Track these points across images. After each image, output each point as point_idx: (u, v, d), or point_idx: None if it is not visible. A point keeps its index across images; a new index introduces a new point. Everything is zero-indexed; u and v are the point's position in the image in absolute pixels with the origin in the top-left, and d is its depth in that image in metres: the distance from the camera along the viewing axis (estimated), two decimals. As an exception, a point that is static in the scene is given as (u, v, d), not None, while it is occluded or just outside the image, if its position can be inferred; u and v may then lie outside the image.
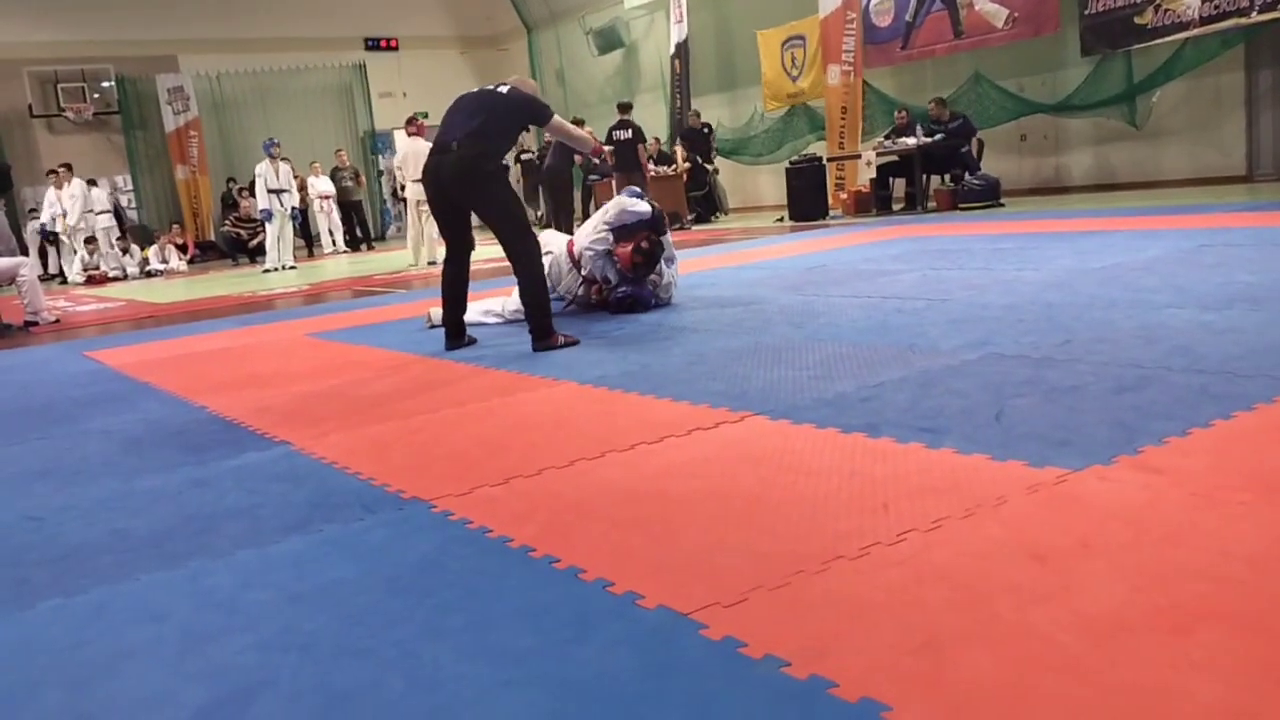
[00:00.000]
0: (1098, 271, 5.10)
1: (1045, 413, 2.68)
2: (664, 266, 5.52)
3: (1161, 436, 2.36)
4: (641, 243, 5.29)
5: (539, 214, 17.65)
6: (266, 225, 13.27)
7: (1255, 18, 9.39)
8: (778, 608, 1.69)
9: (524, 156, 17.21)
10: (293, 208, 13.17)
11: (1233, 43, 9.83)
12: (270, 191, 12.89)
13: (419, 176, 11.26)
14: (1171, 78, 10.27)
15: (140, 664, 1.74)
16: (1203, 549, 1.74)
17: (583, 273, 5.48)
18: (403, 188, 11.96)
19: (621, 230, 5.32)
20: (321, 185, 16.19)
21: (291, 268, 13.07)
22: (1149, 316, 3.81)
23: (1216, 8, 9.63)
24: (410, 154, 11.37)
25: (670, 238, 5.65)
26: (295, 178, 13.98)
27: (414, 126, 11.79)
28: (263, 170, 12.96)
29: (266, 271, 12.91)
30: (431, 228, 11.78)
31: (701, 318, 5.03)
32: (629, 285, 5.40)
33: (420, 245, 11.65)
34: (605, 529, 2.16)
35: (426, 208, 11.57)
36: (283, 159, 13.12)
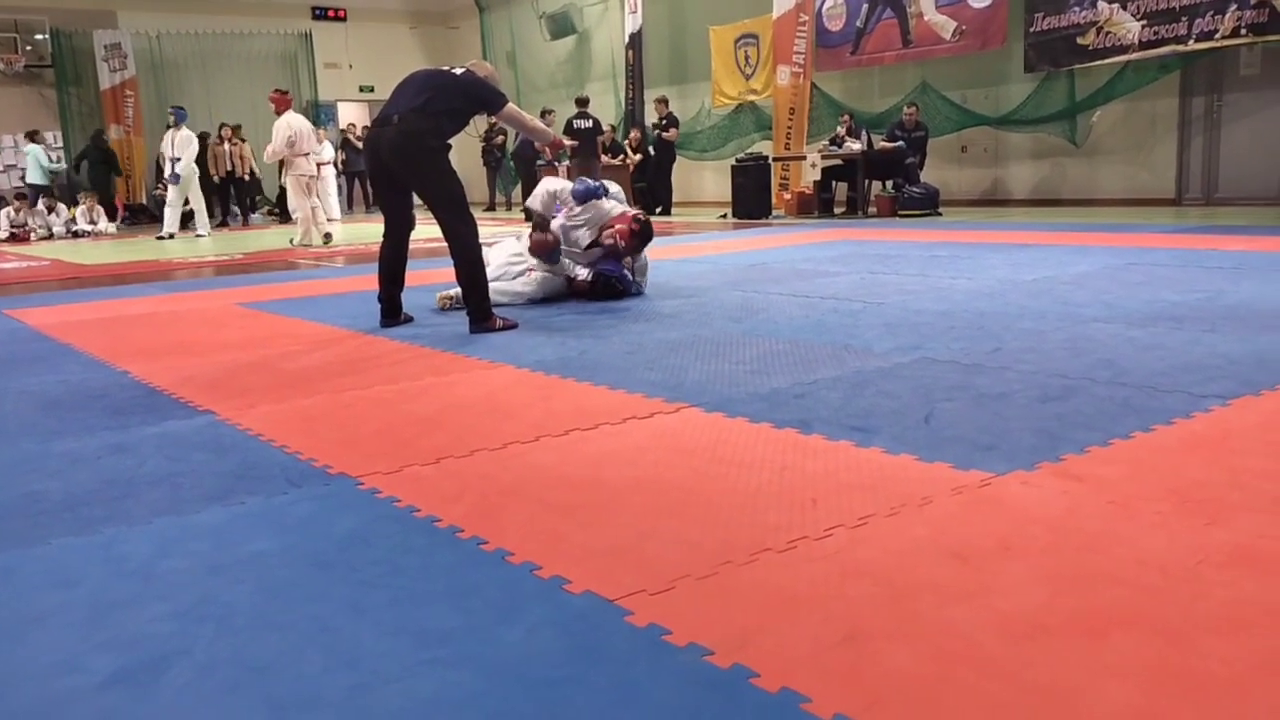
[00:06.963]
0: (1029, 283, 5.21)
1: (973, 417, 2.72)
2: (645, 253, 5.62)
3: (1083, 446, 2.42)
4: (639, 215, 5.41)
5: (497, 199, 17.55)
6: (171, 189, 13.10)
7: (1192, 45, 9.66)
8: (704, 597, 1.69)
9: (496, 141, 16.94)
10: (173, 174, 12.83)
11: (1170, 68, 10.10)
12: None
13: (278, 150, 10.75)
14: (1112, 98, 10.53)
15: (48, 630, 1.69)
16: (1119, 556, 1.79)
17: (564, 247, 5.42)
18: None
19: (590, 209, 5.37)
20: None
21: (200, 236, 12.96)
22: (1077, 329, 3.90)
23: (1156, 33, 9.89)
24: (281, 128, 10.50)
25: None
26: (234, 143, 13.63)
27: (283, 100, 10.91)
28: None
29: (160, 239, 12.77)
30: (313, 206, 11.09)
31: (642, 309, 5.03)
32: (611, 266, 5.35)
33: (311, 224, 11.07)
34: (535, 513, 2.15)
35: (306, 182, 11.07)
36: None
